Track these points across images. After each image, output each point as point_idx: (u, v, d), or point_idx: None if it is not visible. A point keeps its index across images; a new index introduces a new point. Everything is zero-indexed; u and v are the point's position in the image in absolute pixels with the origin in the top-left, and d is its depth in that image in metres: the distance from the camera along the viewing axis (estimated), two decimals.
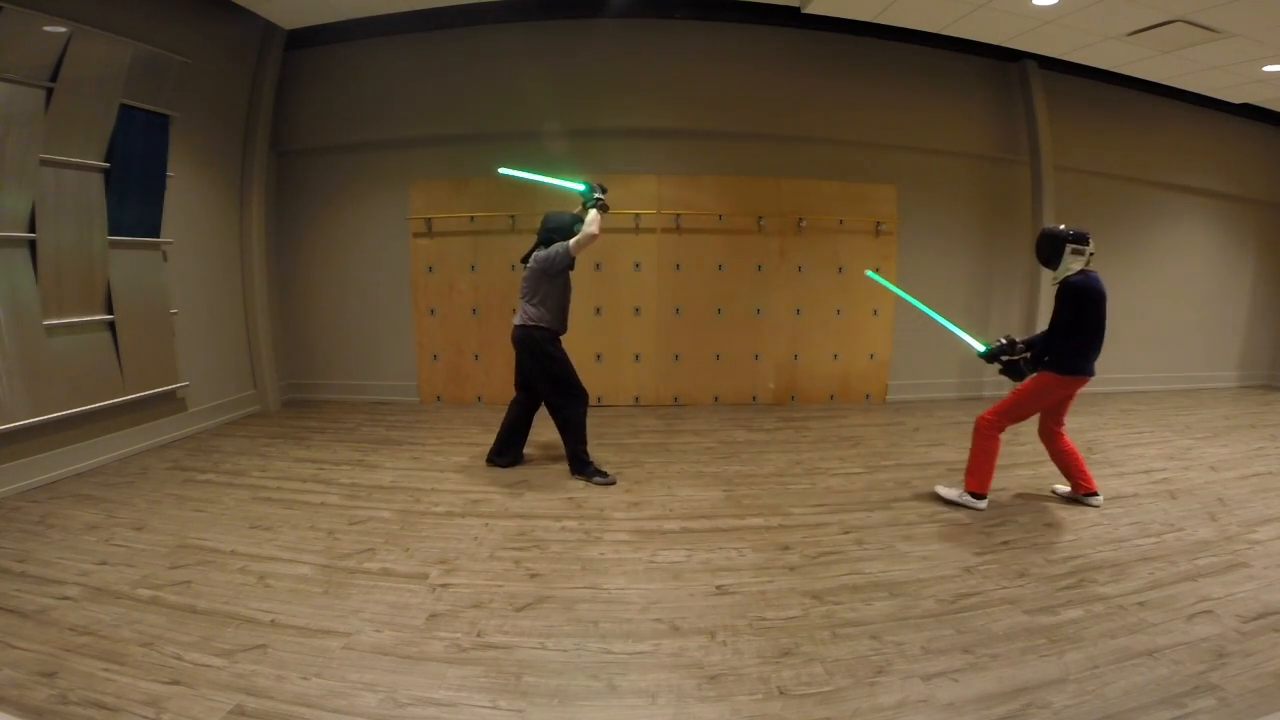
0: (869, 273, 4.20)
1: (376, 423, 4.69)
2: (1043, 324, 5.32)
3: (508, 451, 3.64)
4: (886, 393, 5.58)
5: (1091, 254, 2.88)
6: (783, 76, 5.10)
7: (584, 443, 3.45)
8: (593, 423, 4.66)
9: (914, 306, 3.61)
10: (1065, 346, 2.88)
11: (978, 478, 3.04)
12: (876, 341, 5.50)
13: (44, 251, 3.31)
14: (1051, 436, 3.13)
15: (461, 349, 5.30)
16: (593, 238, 3.22)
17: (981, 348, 3.11)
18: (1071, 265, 2.86)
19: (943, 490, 3.18)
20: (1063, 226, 2.92)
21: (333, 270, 5.32)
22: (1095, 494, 3.10)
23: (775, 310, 5.33)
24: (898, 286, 3.87)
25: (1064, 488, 3.22)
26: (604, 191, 3.33)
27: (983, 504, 3.05)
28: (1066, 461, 3.12)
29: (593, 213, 3.25)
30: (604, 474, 3.42)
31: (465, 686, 1.74)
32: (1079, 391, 3.02)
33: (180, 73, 4.01)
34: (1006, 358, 3.01)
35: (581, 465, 3.44)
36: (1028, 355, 2.97)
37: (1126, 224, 5.96)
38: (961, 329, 3.31)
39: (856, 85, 5.19)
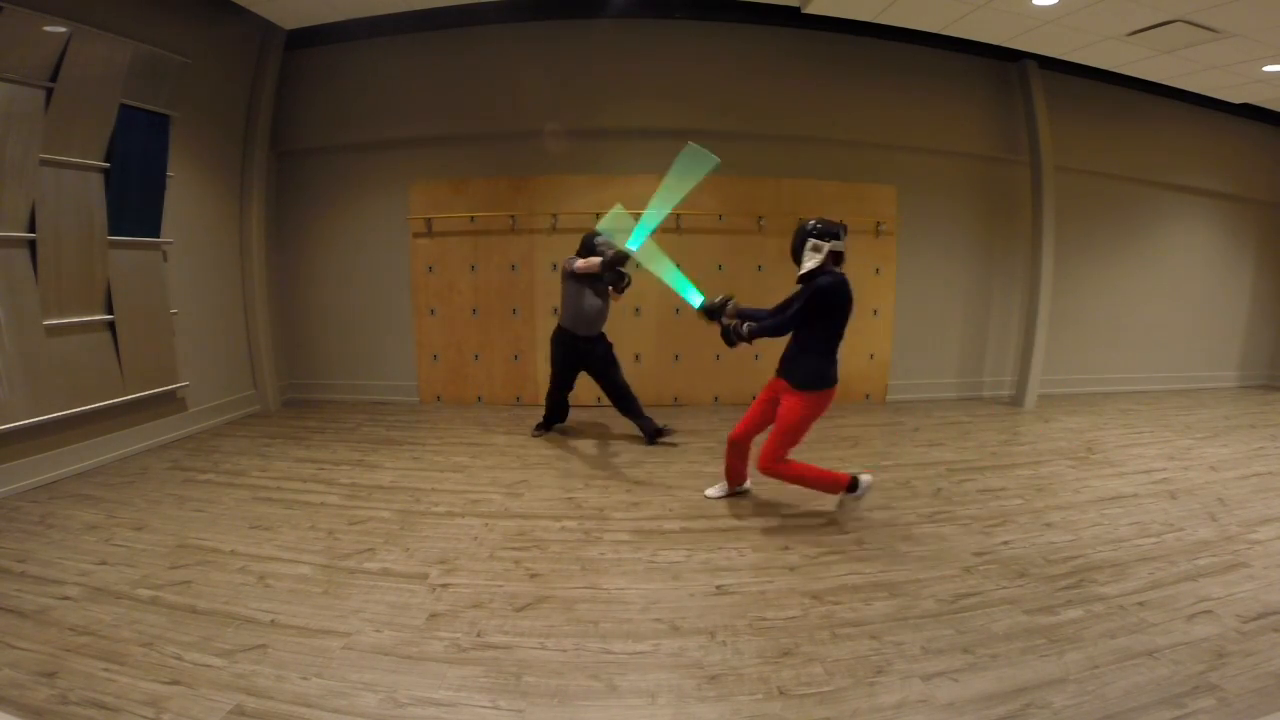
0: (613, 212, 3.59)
1: (376, 423, 4.69)
2: (1044, 324, 5.42)
3: (635, 420, 4.18)
4: (886, 393, 5.57)
5: (838, 254, 2.65)
6: (783, 77, 5.10)
7: (544, 417, 4.33)
8: (594, 422, 4.70)
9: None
10: (814, 359, 2.70)
11: (829, 484, 2.88)
12: (876, 341, 5.50)
13: (44, 251, 3.31)
14: (747, 441, 3.03)
15: (461, 349, 5.30)
16: (580, 268, 3.75)
17: (698, 300, 2.98)
18: (807, 262, 2.65)
19: (837, 508, 2.99)
20: (813, 221, 2.66)
21: (333, 270, 5.32)
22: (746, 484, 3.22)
23: None
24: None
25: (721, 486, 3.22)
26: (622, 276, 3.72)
27: (868, 478, 2.94)
28: (740, 460, 3.09)
29: (597, 259, 3.68)
30: (538, 429, 4.31)
31: (465, 686, 1.74)
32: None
33: (180, 73, 4.01)
34: (726, 321, 2.84)
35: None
36: (742, 325, 2.78)
37: (1126, 224, 5.96)
38: (682, 276, 3.10)
39: (856, 85, 5.19)
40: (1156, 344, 6.28)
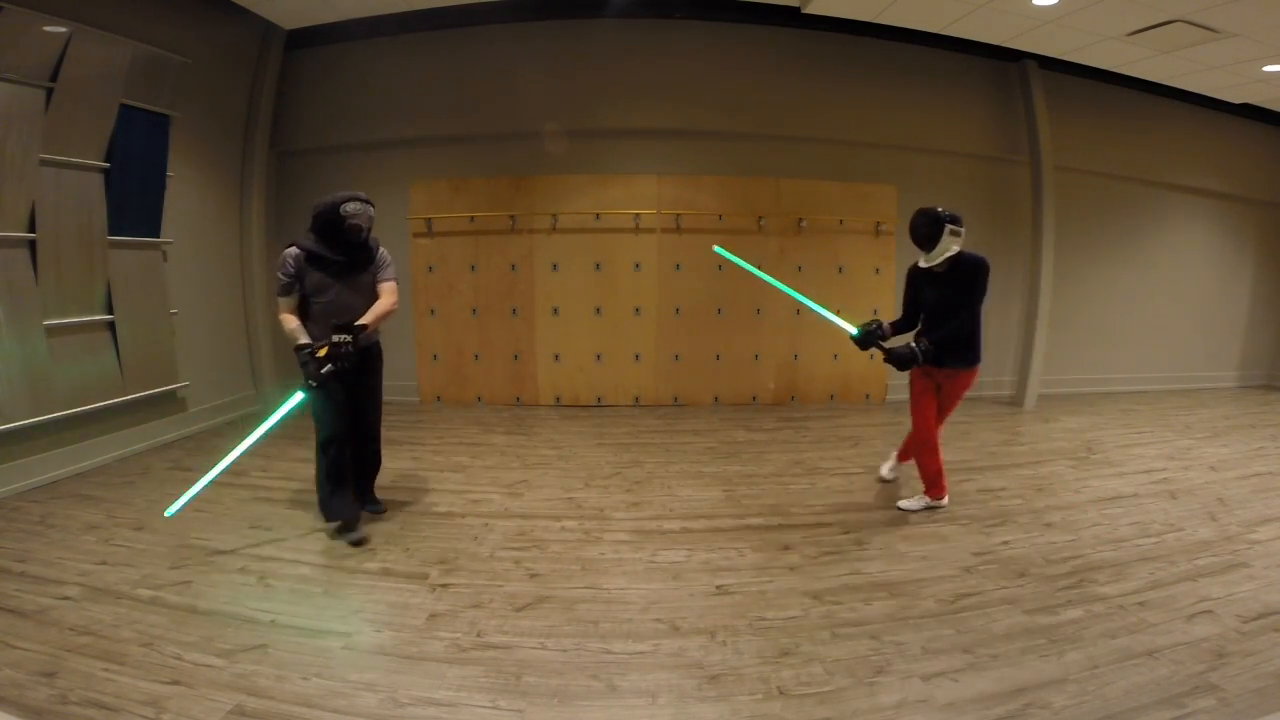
0: (716, 248, 3.57)
1: None
2: (1044, 324, 5.42)
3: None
4: (886, 393, 5.57)
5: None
6: (783, 76, 5.10)
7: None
8: (594, 422, 4.71)
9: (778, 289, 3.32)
10: (977, 335, 2.86)
11: (936, 479, 3.01)
12: None
13: (44, 251, 3.30)
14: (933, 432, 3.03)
15: (461, 349, 5.30)
16: None
17: (853, 330, 2.85)
18: (951, 246, 2.78)
19: (906, 504, 3.04)
20: (940, 208, 2.78)
21: None
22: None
23: (775, 310, 5.33)
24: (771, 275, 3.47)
25: (890, 466, 3.38)
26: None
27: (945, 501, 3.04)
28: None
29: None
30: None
31: (465, 686, 1.74)
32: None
33: (180, 73, 4.01)
34: (893, 345, 2.80)
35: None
36: (919, 340, 2.78)
37: (1127, 224, 5.96)
38: (828, 309, 3.03)
39: (856, 85, 5.19)
40: (1156, 344, 6.28)
